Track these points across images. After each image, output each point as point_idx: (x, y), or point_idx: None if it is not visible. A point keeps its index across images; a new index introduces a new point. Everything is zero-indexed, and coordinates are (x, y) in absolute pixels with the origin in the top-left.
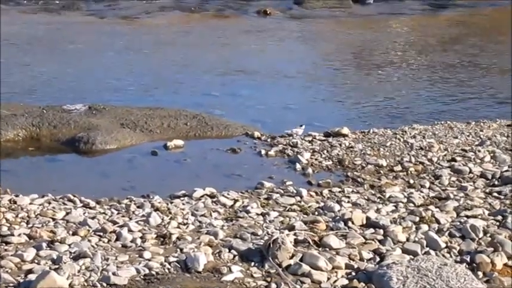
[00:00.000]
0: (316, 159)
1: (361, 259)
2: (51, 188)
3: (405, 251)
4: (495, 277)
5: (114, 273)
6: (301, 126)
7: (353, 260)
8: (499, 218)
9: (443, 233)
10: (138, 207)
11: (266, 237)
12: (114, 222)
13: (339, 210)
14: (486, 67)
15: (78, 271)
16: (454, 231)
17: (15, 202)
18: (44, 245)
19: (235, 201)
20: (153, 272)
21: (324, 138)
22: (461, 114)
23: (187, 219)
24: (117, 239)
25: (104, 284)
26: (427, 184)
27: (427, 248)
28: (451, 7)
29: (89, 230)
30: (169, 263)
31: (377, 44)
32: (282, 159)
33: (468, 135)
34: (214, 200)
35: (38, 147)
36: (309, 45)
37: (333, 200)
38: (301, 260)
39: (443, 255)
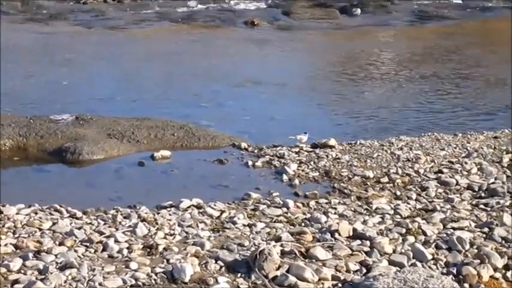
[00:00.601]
0: (303, 171)
1: (348, 270)
2: (38, 198)
3: (392, 263)
4: None
5: (100, 284)
6: (305, 133)
7: (339, 272)
8: (486, 230)
9: (429, 244)
10: (124, 217)
11: (253, 248)
12: (101, 233)
13: (325, 222)
14: (473, 79)
15: (65, 281)
16: (440, 243)
17: (1, 212)
18: (31, 255)
19: (222, 212)
20: (140, 283)
21: (311, 149)
22: (448, 126)
23: (174, 229)
24: (103, 250)
25: None
26: (414, 196)
27: (414, 260)
28: (437, 19)
29: (75, 241)
30: (156, 274)
31: (364, 55)
32: (269, 170)
33: (455, 147)
34: (201, 210)
35: (24, 157)
36: (296, 56)
37: (320, 212)
38: (287, 271)
39: (430, 267)
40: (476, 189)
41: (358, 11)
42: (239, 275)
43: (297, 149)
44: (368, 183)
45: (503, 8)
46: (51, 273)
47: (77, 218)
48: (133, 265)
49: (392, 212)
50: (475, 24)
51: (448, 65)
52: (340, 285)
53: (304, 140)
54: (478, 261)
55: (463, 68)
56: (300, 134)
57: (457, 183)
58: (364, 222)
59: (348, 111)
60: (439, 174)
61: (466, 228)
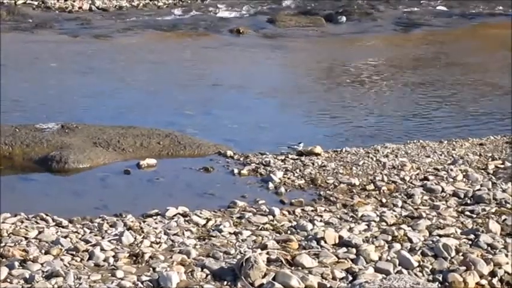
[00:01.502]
0: (288, 178)
1: (334, 278)
2: (24, 207)
3: (378, 270)
4: None
5: None
6: (299, 143)
7: (325, 279)
8: (472, 236)
9: (415, 252)
10: (110, 226)
11: (239, 256)
12: (87, 241)
13: (311, 229)
14: (459, 85)
15: None
16: (426, 250)
17: None
18: (17, 264)
19: (208, 220)
20: None
21: (296, 157)
22: (434, 133)
23: (160, 238)
24: (89, 258)
25: None
26: (400, 203)
27: (400, 267)
28: (422, 26)
29: (61, 249)
30: (142, 282)
31: (349, 63)
32: (255, 178)
33: (440, 154)
34: (186, 219)
35: (10, 166)
36: (282, 64)
37: (306, 219)
38: (273, 279)
39: (416, 274)
40: (462, 196)
41: (344, 18)
42: (225, 283)
43: (282, 157)
44: (354, 190)
45: (488, 15)
46: (37, 282)
47: (63, 227)
48: (119, 273)
49: (378, 219)
50: (461, 30)
51: (433, 71)
52: None
53: (300, 149)
54: (464, 268)
55: (448, 74)
56: (294, 144)
57: (443, 190)
58: (350, 230)
59: (333, 119)
60: (425, 182)
61: (452, 235)
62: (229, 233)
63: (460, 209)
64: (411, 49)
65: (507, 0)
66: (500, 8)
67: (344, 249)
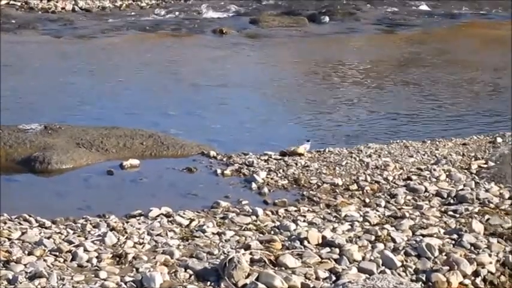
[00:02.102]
0: (272, 179)
1: (317, 278)
2: (7, 208)
3: (361, 270)
4: None
5: None
6: (307, 141)
7: (309, 279)
8: (455, 236)
9: (399, 251)
10: (94, 226)
11: (222, 257)
12: (70, 242)
13: (294, 229)
14: (443, 84)
15: None
16: (409, 250)
17: None
18: (0, 265)
19: (191, 220)
20: None
21: (279, 157)
22: (417, 133)
23: (143, 238)
24: (72, 259)
25: None
26: (383, 203)
27: (383, 267)
28: (406, 26)
29: (44, 250)
30: (125, 283)
31: (332, 63)
32: (238, 178)
33: (424, 154)
34: (170, 219)
35: None
36: (265, 64)
37: (289, 219)
38: (257, 279)
39: (399, 274)
40: (445, 196)
41: (327, 18)
42: (208, 283)
43: (265, 157)
44: (337, 190)
45: (472, 15)
46: (20, 283)
47: (46, 228)
48: (102, 274)
49: (361, 219)
50: (444, 30)
51: (416, 71)
52: None
53: (308, 148)
54: (447, 267)
55: (431, 74)
56: (303, 143)
57: (426, 190)
58: (334, 230)
59: (316, 119)
60: (408, 181)
61: (435, 235)
62: (213, 234)
63: (443, 209)
64: (394, 49)
65: (490, 1)
66: (486, 8)
67: (327, 249)
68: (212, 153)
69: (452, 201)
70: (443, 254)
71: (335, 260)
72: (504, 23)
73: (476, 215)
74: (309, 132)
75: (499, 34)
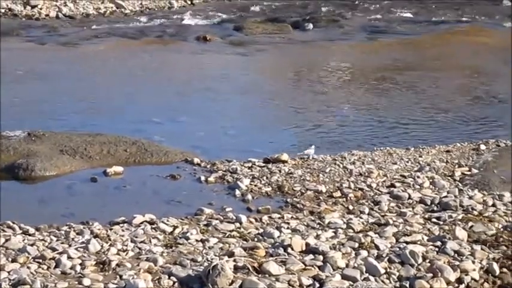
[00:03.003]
0: (255, 186)
1: (301, 285)
2: None
3: (344, 277)
4: None
5: None
6: (311, 146)
7: (292, 286)
8: (438, 243)
9: (382, 258)
10: (77, 233)
11: (206, 264)
12: (54, 249)
13: (278, 237)
14: (427, 91)
15: None
16: (393, 257)
17: None
18: None
19: (175, 227)
20: None
21: (263, 164)
22: (401, 140)
23: (126, 245)
24: (56, 266)
25: None
26: (367, 210)
27: (367, 274)
28: (389, 34)
29: (28, 257)
30: None
31: (316, 70)
32: (222, 185)
33: (407, 161)
34: (153, 226)
35: None
36: (248, 71)
37: (273, 226)
38: (240, 286)
39: (383, 281)
40: (429, 203)
41: (311, 25)
42: None
43: (249, 164)
44: (321, 197)
45: (454, 22)
46: None
47: (29, 235)
48: (86, 281)
49: (345, 226)
50: (428, 38)
51: (399, 78)
52: None
53: (312, 152)
54: (431, 274)
55: (415, 81)
56: (307, 148)
57: (410, 197)
58: (317, 237)
59: (300, 126)
60: (392, 189)
61: (419, 242)
62: (196, 241)
63: (426, 216)
64: (378, 56)
65: (473, 8)
66: (469, 15)
67: (311, 256)
68: (196, 160)
69: (435, 208)
70: (427, 261)
71: (319, 267)
72: (486, 30)
73: (459, 222)
74: (293, 139)
75: (482, 41)
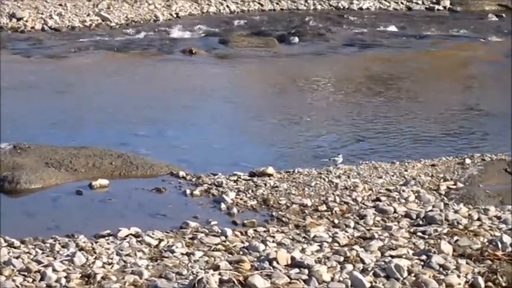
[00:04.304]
0: (241, 199)
1: None
2: None
3: None
4: None
5: None
6: (338, 155)
7: None
8: (424, 257)
9: (367, 272)
10: (62, 246)
11: (191, 277)
12: (39, 262)
13: (263, 250)
14: (412, 106)
15: None
16: (378, 270)
17: None
18: None
19: (160, 240)
20: None
21: (248, 177)
22: (386, 154)
23: (112, 258)
24: (41, 279)
25: None
26: (352, 224)
27: None
28: (374, 48)
29: (13, 270)
30: None
31: (301, 83)
32: (207, 198)
33: (393, 175)
34: (139, 239)
35: None
36: (233, 84)
37: (258, 240)
38: None
39: None
40: (414, 217)
41: (296, 39)
42: None
43: (235, 178)
44: (306, 211)
45: (440, 37)
46: None
47: (14, 247)
48: None
49: (330, 240)
50: (413, 52)
51: (385, 93)
52: None
53: (340, 161)
54: None
55: (400, 95)
56: (334, 156)
57: (395, 211)
58: (303, 251)
59: (286, 139)
60: (377, 202)
61: (404, 256)
62: (182, 254)
63: (412, 230)
64: (363, 70)
65: (458, 22)
66: (454, 29)
67: (296, 270)
68: (181, 173)
69: (421, 222)
70: (412, 275)
71: (304, 281)
72: (471, 44)
73: (445, 236)
74: (278, 152)
75: (467, 55)
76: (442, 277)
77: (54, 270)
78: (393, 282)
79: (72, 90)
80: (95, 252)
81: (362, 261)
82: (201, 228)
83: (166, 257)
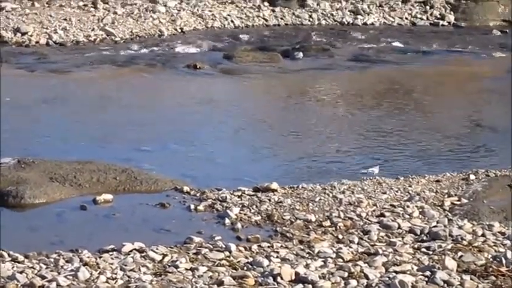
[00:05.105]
0: (245, 214)
1: None
2: None
3: None
4: None
5: None
6: (376, 166)
7: None
8: (428, 273)
9: None
10: (66, 261)
11: None
12: (43, 277)
13: (267, 266)
14: (417, 122)
15: None
16: (382, 286)
17: None
18: None
19: (164, 256)
20: None
21: (253, 193)
22: (390, 169)
23: (116, 274)
24: None
25: None
26: (356, 239)
27: None
28: (379, 63)
29: (17, 285)
30: None
31: (306, 98)
32: (211, 214)
33: (397, 191)
34: (143, 254)
35: None
36: (237, 99)
37: (262, 255)
38: None
39: None
40: (418, 232)
41: (301, 54)
42: None
43: (239, 193)
44: (310, 226)
45: (445, 52)
46: None
47: (18, 262)
48: None
49: (334, 255)
50: (418, 67)
51: (390, 108)
52: None
53: (376, 171)
54: None
55: (405, 111)
56: (372, 166)
57: (399, 227)
58: (307, 266)
59: (290, 154)
60: (381, 218)
61: (408, 272)
62: (186, 269)
63: (416, 246)
64: (368, 85)
65: (462, 38)
66: (457, 45)
67: (300, 285)
68: (185, 188)
69: (425, 238)
70: None
71: None
72: (476, 59)
73: (449, 252)
74: (283, 167)
75: (472, 71)
76: None
77: (58, 285)
78: None
79: (75, 105)
80: (99, 267)
81: (366, 276)
82: (205, 244)
83: (170, 272)
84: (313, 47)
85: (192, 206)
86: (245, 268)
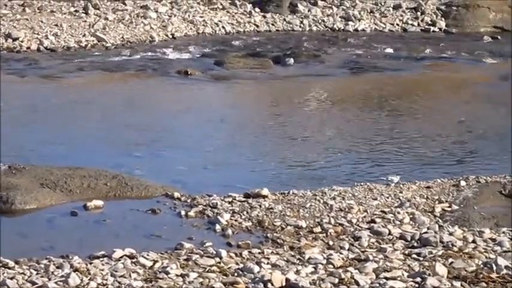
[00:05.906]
0: (236, 220)
1: None
2: None
3: None
4: None
5: None
6: (396, 175)
7: None
8: (418, 279)
9: None
10: (57, 267)
11: None
12: (33, 283)
13: (258, 272)
14: (408, 128)
15: None
16: None
17: None
18: None
19: (155, 262)
20: None
21: (243, 199)
22: (381, 176)
23: (106, 280)
24: None
25: None
26: (347, 245)
27: None
28: (370, 70)
29: None
30: None
31: (297, 104)
32: (202, 220)
33: (388, 197)
34: (133, 260)
35: None
36: (228, 104)
37: (253, 261)
38: None
39: None
40: (409, 238)
41: (292, 60)
42: None
43: (230, 199)
44: (301, 233)
45: (436, 59)
46: None
47: (9, 268)
48: None
49: (325, 261)
50: (409, 73)
51: (381, 114)
52: None
53: (396, 180)
54: None
55: (396, 117)
56: (391, 175)
57: (390, 233)
58: (297, 272)
59: (281, 160)
60: (372, 224)
61: (399, 278)
62: (176, 275)
63: (407, 252)
64: (359, 91)
65: (453, 44)
66: (449, 52)
67: None
68: (176, 194)
69: (416, 244)
70: None
71: None
72: (467, 65)
73: (439, 258)
74: (274, 173)
75: (462, 77)
76: None
77: None
78: None
79: (66, 110)
80: (89, 273)
81: (357, 283)
82: (196, 250)
83: (160, 278)
84: (304, 53)
85: (183, 212)
86: (236, 274)
